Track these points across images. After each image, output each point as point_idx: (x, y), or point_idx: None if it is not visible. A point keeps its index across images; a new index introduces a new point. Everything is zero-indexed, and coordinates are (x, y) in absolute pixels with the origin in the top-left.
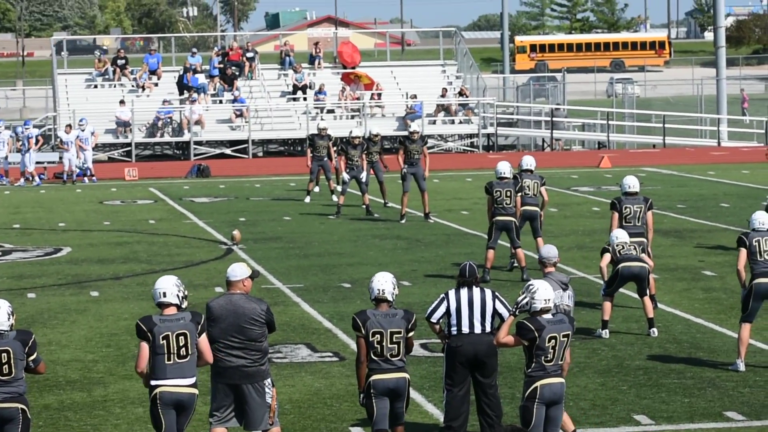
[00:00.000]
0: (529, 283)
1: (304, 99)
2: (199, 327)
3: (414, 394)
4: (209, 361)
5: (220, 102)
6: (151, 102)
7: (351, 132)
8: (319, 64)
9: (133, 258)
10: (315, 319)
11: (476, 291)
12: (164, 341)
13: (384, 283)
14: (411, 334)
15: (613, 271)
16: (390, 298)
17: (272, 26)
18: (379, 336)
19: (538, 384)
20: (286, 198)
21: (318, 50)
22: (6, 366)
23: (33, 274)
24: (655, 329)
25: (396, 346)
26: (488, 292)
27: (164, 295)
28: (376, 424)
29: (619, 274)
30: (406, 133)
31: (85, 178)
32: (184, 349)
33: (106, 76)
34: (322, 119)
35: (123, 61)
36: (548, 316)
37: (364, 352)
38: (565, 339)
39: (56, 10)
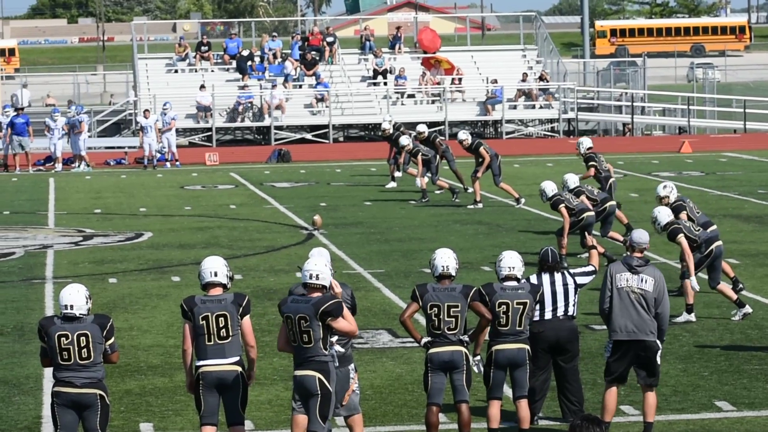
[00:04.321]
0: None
1: (385, 84)
2: (241, 309)
3: None
4: (251, 344)
5: (300, 87)
6: (231, 87)
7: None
8: (399, 48)
9: (214, 243)
10: (396, 304)
11: (558, 276)
12: (204, 322)
13: (447, 259)
14: (480, 306)
15: (707, 251)
16: (453, 274)
17: (352, 11)
18: (436, 309)
19: (492, 349)
20: (366, 183)
21: (399, 34)
22: (85, 350)
23: (114, 259)
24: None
25: (453, 320)
26: (568, 276)
27: (215, 274)
28: (430, 397)
29: (713, 254)
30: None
31: (167, 163)
32: (224, 330)
33: (187, 61)
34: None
35: (206, 48)
36: (510, 283)
37: (409, 312)
38: (520, 306)
39: None
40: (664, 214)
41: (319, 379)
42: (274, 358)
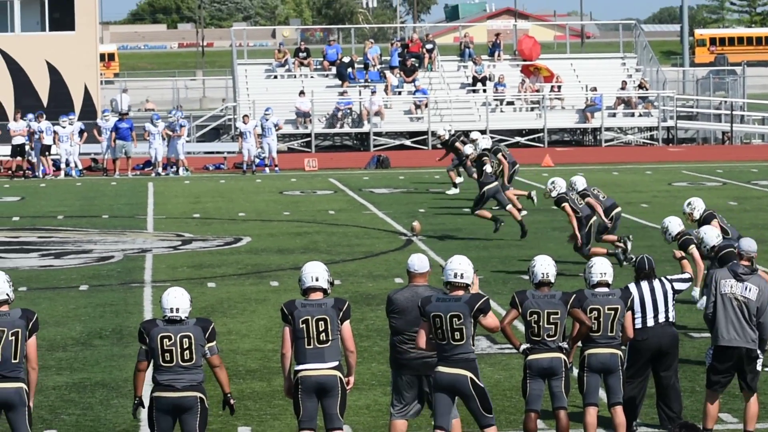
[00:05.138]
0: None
1: (484, 91)
2: (341, 313)
3: None
4: (350, 349)
5: (400, 93)
6: (330, 93)
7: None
8: (498, 55)
9: (313, 248)
10: (495, 311)
11: (656, 282)
12: (303, 325)
13: (547, 266)
14: (579, 313)
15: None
16: (553, 281)
17: (452, 18)
18: (536, 316)
19: (585, 353)
20: (465, 190)
21: (498, 41)
22: (187, 351)
23: (213, 264)
24: None
25: (553, 327)
26: (666, 282)
27: (316, 279)
28: (528, 403)
29: None
30: None
31: (266, 168)
32: (324, 334)
33: (286, 67)
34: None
35: (305, 54)
36: (601, 289)
37: (509, 319)
38: (612, 312)
39: (237, 0)
40: (674, 224)
41: (471, 378)
42: (372, 363)
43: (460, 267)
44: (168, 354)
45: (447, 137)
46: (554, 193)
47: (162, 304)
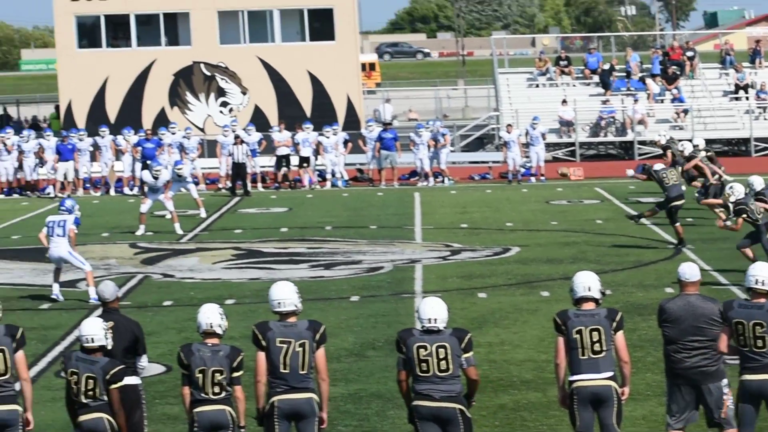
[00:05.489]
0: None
1: (746, 98)
2: (615, 324)
3: None
4: (624, 359)
5: (662, 101)
6: (593, 101)
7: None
8: (759, 63)
9: (582, 258)
10: None
11: None
12: (577, 336)
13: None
14: None
15: None
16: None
17: (710, 25)
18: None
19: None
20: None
21: (758, 48)
22: (443, 361)
23: (483, 274)
24: None
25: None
26: None
27: (588, 289)
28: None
29: None
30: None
31: (532, 178)
32: (598, 344)
33: (548, 76)
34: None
35: (565, 62)
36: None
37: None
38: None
39: (495, 8)
40: None
41: None
42: (646, 373)
43: (762, 274)
44: (424, 364)
45: (663, 142)
46: (732, 198)
47: (419, 314)
